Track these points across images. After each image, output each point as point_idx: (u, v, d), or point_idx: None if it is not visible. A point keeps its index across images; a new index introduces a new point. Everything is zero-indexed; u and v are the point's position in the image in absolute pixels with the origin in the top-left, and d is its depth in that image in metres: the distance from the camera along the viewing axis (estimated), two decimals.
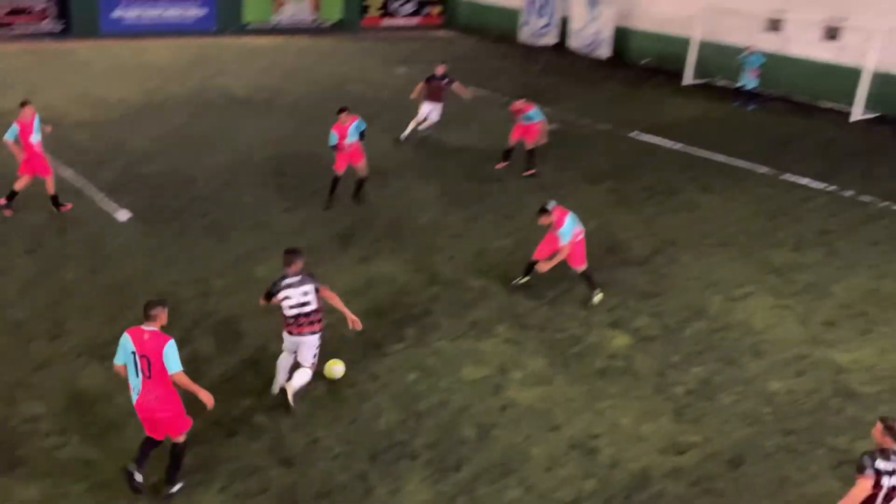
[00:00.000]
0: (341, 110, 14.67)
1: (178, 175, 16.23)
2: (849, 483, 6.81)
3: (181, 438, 7.76)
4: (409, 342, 10.64)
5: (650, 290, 12.38)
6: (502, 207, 15.49)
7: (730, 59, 25.93)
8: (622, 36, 31.12)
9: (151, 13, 31.06)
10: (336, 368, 9.55)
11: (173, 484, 7.78)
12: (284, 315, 8.96)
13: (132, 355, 7.40)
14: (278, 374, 9.30)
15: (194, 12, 31.88)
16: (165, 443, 7.76)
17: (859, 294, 12.62)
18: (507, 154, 17.51)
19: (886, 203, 16.66)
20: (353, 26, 35.27)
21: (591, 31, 31.51)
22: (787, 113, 24.22)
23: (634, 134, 21.09)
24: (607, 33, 30.87)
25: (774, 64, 25.12)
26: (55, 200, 14.04)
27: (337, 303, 9.13)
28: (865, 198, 16.93)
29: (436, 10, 37.79)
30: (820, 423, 9.34)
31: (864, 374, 10.38)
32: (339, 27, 34.95)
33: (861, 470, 6.37)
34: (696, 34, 27.25)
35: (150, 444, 7.77)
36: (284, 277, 8.89)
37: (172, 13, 31.45)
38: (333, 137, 14.64)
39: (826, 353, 10.85)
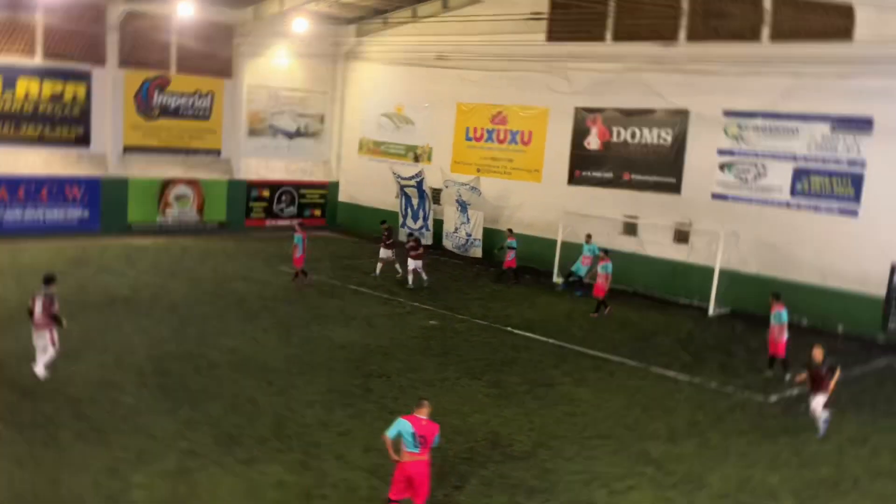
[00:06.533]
0: None
1: (51, 377, 14.97)
2: None
3: None
4: None
5: (537, 486, 11.96)
6: (388, 403, 14.97)
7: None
8: (491, 237, 32.14)
9: (33, 214, 30.12)
10: None
11: None
12: None
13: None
14: None
15: (77, 213, 31.09)
16: None
17: (734, 483, 12.57)
18: None
19: (747, 393, 17.05)
20: (236, 227, 35.20)
21: (464, 233, 32.44)
22: (647, 308, 25.06)
23: (510, 329, 21.24)
24: (478, 235, 31.84)
25: (631, 263, 26.30)
26: None
27: None
28: (728, 388, 17.33)
29: (317, 211, 38.27)
30: None
31: None
32: (223, 227, 34.78)
33: None
34: (560, 236, 28.43)
35: None
36: None
37: (55, 214, 30.57)
38: None
39: None
